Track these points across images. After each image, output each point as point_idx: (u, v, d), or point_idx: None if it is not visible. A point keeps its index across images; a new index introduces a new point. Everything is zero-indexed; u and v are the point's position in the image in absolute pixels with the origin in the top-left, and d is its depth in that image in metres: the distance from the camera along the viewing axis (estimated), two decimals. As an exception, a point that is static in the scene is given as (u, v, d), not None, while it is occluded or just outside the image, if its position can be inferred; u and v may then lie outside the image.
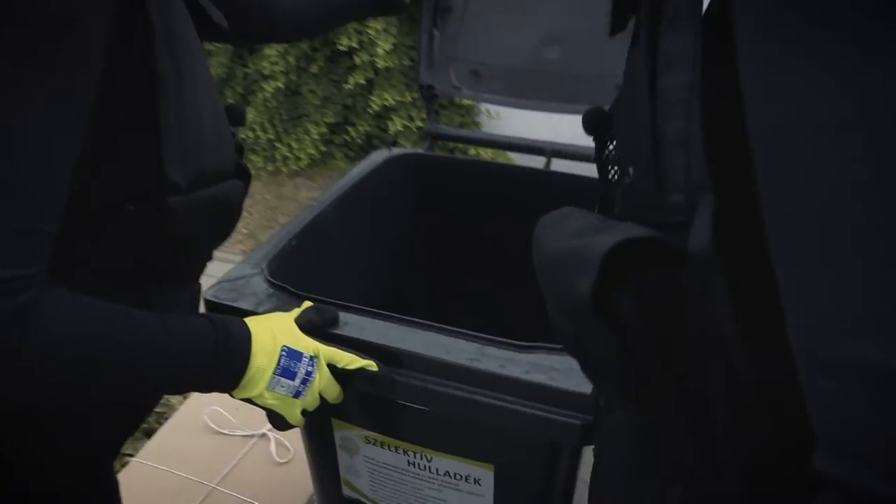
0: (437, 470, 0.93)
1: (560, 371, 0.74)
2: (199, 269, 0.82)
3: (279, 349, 0.74)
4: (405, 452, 0.93)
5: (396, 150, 1.26)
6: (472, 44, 1.19)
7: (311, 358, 0.76)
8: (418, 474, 0.94)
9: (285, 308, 0.84)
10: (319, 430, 0.99)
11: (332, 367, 0.77)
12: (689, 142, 0.38)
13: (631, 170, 0.45)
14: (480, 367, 0.76)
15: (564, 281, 0.41)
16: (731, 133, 0.36)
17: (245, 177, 0.81)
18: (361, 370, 0.77)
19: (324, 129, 3.59)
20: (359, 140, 3.69)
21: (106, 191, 0.64)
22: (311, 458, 1.06)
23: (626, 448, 0.52)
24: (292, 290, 0.88)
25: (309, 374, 0.75)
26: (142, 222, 0.67)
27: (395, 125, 3.51)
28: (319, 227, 1.05)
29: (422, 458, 0.93)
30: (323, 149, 3.67)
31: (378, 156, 1.24)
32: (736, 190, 0.35)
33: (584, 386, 0.72)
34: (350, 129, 3.62)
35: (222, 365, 0.70)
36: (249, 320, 0.75)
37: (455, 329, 0.81)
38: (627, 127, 0.48)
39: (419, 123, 3.55)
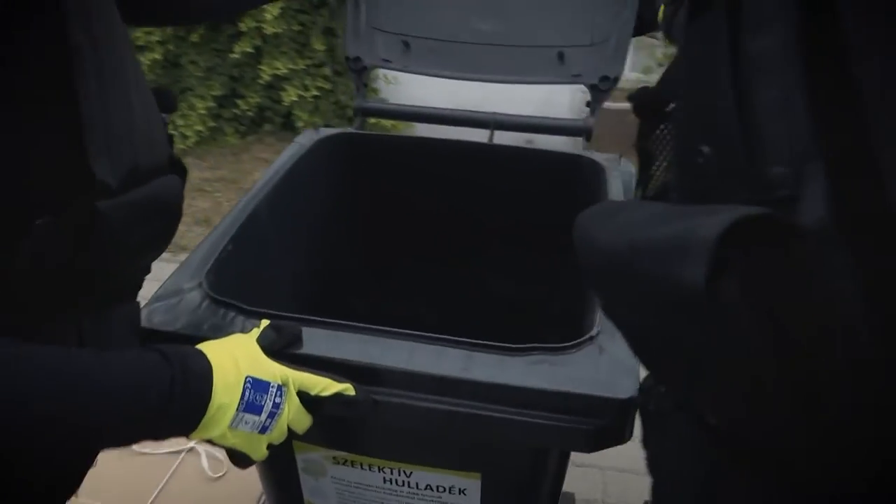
0: (417, 484, 0.85)
1: (560, 371, 0.68)
2: (136, 285, 0.69)
3: (243, 381, 0.63)
4: (381, 469, 0.85)
5: (325, 131, 1.14)
6: (401, 15, 1.09)
7: (279, 387, 0.65)
8: (396, 490, 0.86)
9: (234, 328, 0.73)
10: (277, 454, 0.88)
11: (304, 395, 0.67)
12: (789, 109, 0.35)
13: (706, 148, 0.41)
14: (472, 376, 0.69)
15: (660, 273, 0.37)
16: (834, 94, 0.33)
17: (181, 172, 0.69)
18: (338, 395, 0.68)
19: (210, 103, 3.34)
20: (250, 113, 3.46)
21: (11, 198, 0.51)
22: (267, 483, 0.95)
23: (697, 450, 0.48)
24: (241, 305, 0.76)
25: (277, 405, 0.65)
26: (63, 234, 0.54)
27: (290, 95, 3.32)
28: (254, 227, 0.93)
29: (400, 474, 0.85)
30: (211, 124, 3.42)
31: (305, 138, 1.12)
32: (846, 156, 0.33)
33: (589, 387, 0.66)
34: (239, 101, 3.39)
35: (179, 407, 0.59)
36: (207, 348, 0.64)
37: (438, 336, 0.72)
38: (697, 103, 0.42)
39: (315, 93, 3.37)
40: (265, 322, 0.71)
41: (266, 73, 3.26)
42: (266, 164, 3.34)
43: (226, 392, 0.62)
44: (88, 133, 0.53)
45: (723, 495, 0.45)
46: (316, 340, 0.72)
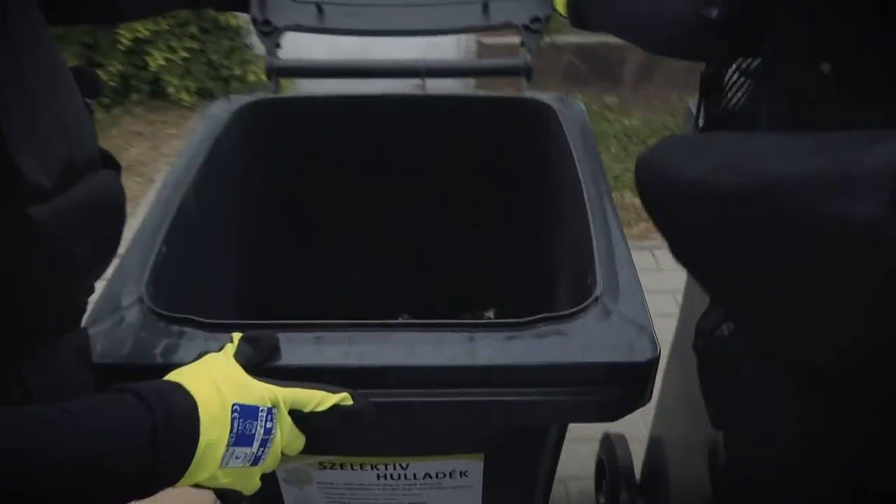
0: (414, 475, 0.79)
1: (573, 341, 0.63)
2: (80, 310, 0.59)
3: (230, 411, 0.54)
4: (374, 467, 0.78)
5: (240, 99, 1.01)
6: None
7: (269, 410, 0.57)
8: (391, 485, 0.80)
9: (194, 348, 0.63)
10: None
11: (296, 413, 0.59)
12: None
13: (826, 66, 0.37)
14: (479, 361, 0.62)
15: (815, 211, 0.33)
16: None
17: (115, 166, 0.57)
18: (335, 408, 0.60)
19: (66, 77, 3.00)
20: (112, 83, 3.14)
21: None
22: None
23: (788, 392, 0.44)
24: (197, 318, 0.66)
25: (268, 431, 0.57)
26: None
27: (155, 59, 3.03)
28: (185, 220, 0.81)
29: (395, 468, 0.78)
30: (70, 100, 3.08)
31: (218, 109, 0.99)
32: None
33: (607, 353, 0.62)
34: (98, 70, 3.06)
35: (165, 457, 0.49)
36: (184, 376, 0.54)
37: (433, 323, 0.65)
38: (816, 17, 0.37)
39: (184, 54, 3.10)
40: (237, 335, 0.62)
41: (125, 37, 2.95)
42: (140, 139, 3.07)
43: (213, 427, 0.52)
44: (10, 123, 0.42)
45: (828, 434, 0.42)
46: (297, 347, 0.63)
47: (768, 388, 0.49)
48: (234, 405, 0.54)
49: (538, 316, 0.65)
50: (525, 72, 1.01)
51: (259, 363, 0.61)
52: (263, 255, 1.11)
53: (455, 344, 0.63)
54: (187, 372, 0.55)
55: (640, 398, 0.64)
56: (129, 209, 2.44)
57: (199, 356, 0.58)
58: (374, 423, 0.62)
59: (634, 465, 1.39)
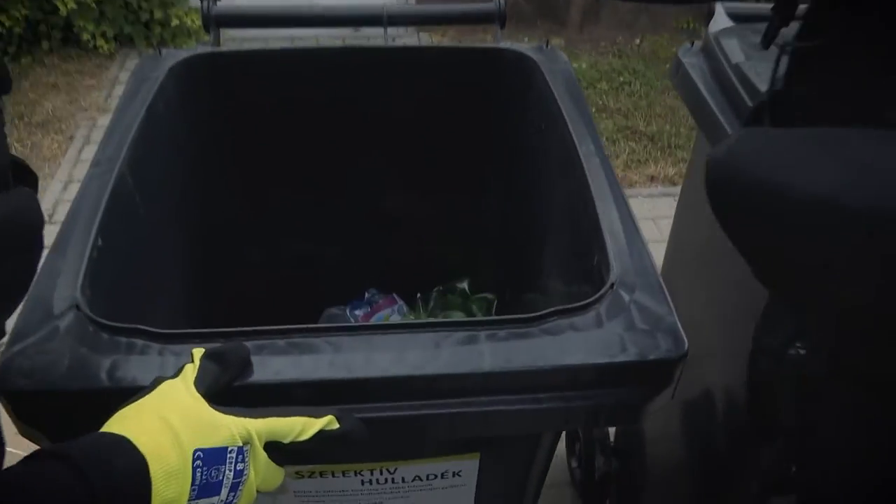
0: (403, 479, 0.71)
1: (591, 338, 0.55)
2: None
3: (190, 459, 0.44)
4: (358, 473, 0.70)
5: (173, 54, 0.87)
6: None
7: (240, 450, 0.48)
8: (377, 489, 0.72)
9: (147, 368, 0.52)
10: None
11: (274, 445, 0.50)
12: None
13: None
14: (485, 367, 0.54)
15: None
16: None
17: (29, 177, 0.46)
18: (319, 434, 0.51)
19: (-38, 23, 2.71)
20: (17, 30, 2.85)
21: None
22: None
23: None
24: (148, 329, 0.55)
25: (240, 473, 0.48)
26: None
27: (66, 3, 2.75)
28: (122, 203, 0.69)
29: (382, 473, 0.70)
30: (-30, 49, 2.79)
31: (149, 67, 0.85)
32: None
33: (632, 352, 0.55)
34: (0, 16, 2.76)
35: None
36: (127, 423, 0.45)
37: (429, 322, 0.57)
38: None
39: (101, -6, 2.82)
40: (198, 352, 0.51)
41: (29, -24, 2.67)
42: (55, 91, 2.81)
43: (169, 483, 0.43)
44: None
45: None
46: (269, 359, 0.54)
47: (854, 410, 0.43)
48: (195, 452, 0.45)
49: (549, 310, 0.57)
50: (499, 18, 0.91)
51: (228, 383, 0.51)
52: (212, 229, 0.99)
53: (455, 346, 0.55)
54: (133, 416, 0.45)
55: (668, 396, 0.57)
56: (48, 170, 2.24)
57: (154, 383, 0.48)
58: (363, 442, 0.54)
59: (609, 428, 1.36)
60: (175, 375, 0.49)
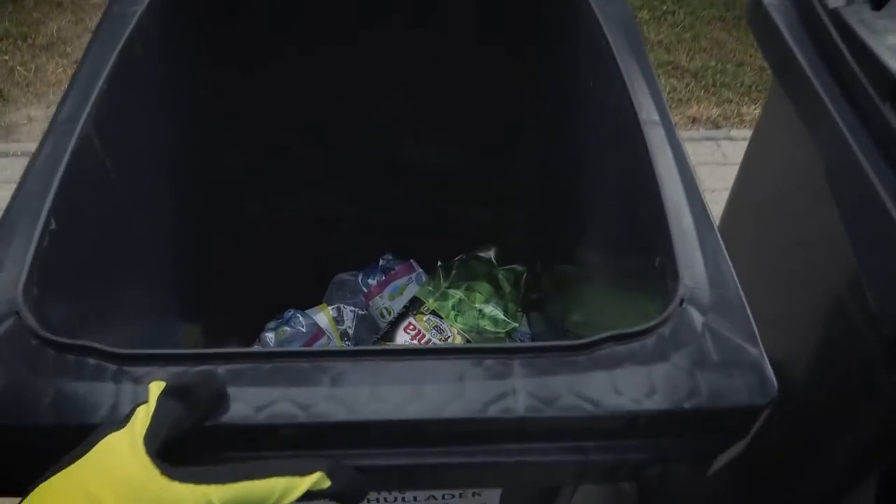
0: (415, 498, 0.62)
1: (655, 373, 0.44)
2: None
3: None
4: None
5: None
6: None
7: None
8: (385, 509, 0.63)
9: (98, 404, 0.42)
10: None
11: None
12: None
13: None
14: (519, 411, 0.43)
15: None
16: None
17: None
18: (307, 495, 0.41)
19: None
20: (20, -59, 2.67)
21: None
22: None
23: None
24: (103, 348, 0.44)
25: None
26: None
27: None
28: (85, 171, 0.57)
29: (391, 494, 0.61)
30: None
31: (124, 4, 0.72)
32: None
33: (708, 395, 0.43)
34: (1, -74, 2.58)
35: None
36: (47, 494, 0.35)
37: (448, 347, 0.46)
38: None
39: None
40: (156, 387, 0.41)
41: None
42: (60, 10, 2.66)
43: None
44: None
45: None
46: (247, 393, 0.43)
47: None
48: None
49: (601, 336, 0.45)
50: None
51: (195, 424, 0.41)
52: (204, 191, 0.87)
53: (483, 379, 0.44)
54: (54, 492, 0.35)
55: (740, 447, 0.46)
56: (53, 96, 2.10)
57: (96, 436, 0.38)
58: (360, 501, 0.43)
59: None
60: (124, 422, 0.39)
